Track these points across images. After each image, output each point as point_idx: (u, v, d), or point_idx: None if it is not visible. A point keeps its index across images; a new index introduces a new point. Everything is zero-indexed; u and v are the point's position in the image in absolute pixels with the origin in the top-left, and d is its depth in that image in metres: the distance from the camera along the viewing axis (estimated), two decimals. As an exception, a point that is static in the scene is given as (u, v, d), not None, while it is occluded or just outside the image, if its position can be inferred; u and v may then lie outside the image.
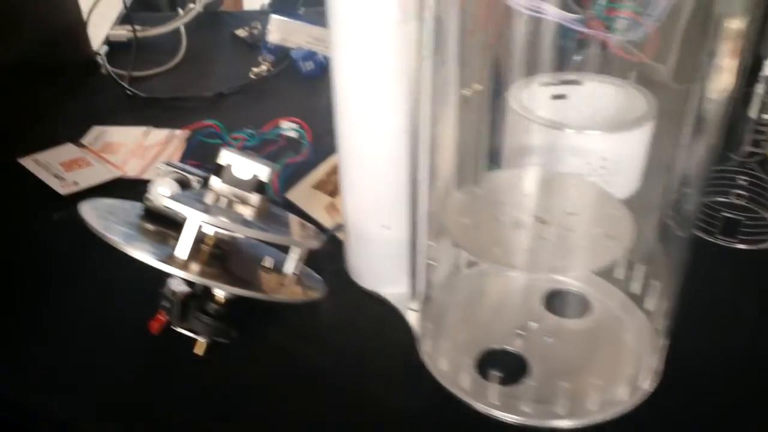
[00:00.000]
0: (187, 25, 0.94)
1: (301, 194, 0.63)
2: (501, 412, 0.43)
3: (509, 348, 0.47)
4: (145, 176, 0.65)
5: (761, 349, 0.48)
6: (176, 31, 0.93)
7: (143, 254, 0.42)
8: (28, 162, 0.67)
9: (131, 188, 0.59)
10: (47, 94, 0.78)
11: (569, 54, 0.45)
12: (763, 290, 0.54)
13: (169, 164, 0.52)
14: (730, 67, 0.37)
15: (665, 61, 0.50)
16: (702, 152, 0.40)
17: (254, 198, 0.50)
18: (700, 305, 0.52)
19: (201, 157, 0.63)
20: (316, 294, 0.49)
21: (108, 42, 0.90)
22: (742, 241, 0.58)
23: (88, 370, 0.47)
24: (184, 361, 0.47)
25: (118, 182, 0.65)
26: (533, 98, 0.63)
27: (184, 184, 0.52)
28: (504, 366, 0.46)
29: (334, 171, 0.62)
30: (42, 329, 0.51)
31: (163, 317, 0.48)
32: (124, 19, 0.93)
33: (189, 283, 0.47)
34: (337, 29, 0.43)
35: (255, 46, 0.92)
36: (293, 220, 0.53)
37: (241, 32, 0.96)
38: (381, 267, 0.52)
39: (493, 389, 0.43)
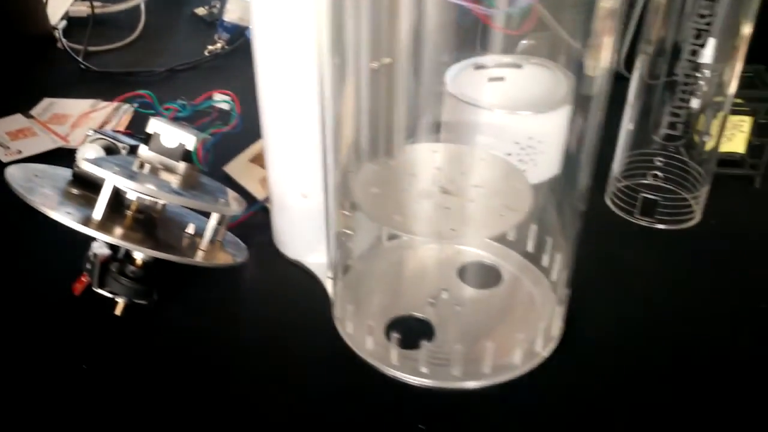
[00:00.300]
0: (148, 3, 0.95)
1: (237, 167, 0.65)
2: (401, 373, 0.45)
3: (419, 315, 0.49)
4: (88, 146, 0.66)
5: (661, 322, 0.50)
6: (137, 8, 0.95)
7: (58, 214, 0.44)
8: (-26, 130, 0.68)
9: (72, 158, 0.60)
10: (2, 66, 0.79)
11: (473, 34, 0.46)
12: (674, 268, 0.56)
13: (98, 131, 0.54)
14: (606, 45, 0.39)
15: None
16: (586, 128, 0.42)
17: (180, 166, 0.52)
18: (608, 279, 0.54)
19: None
20: (232, 260, 0.51)
21: (68, 17, 0.92)
22: (661, 221, 0.60)
23: (9, 329, 0.49)
24: (104, 321, 0.48)
25: (61, 152, 0.66)
26: (470, 79, 0.65)
27: (111, 150, 0.53)
28: (411, 332, 0.48)
29: (271, 145, 0.64)
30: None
31: (85, 279, 0.49)
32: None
33: (111, 247, 0.49)
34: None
35: (213, 24, 0.93)
36: (221, 190, 0.55)
37: (201, 11, 0.97)
38: (302, 236, 0.53)
39: (394, 351, 0.45)
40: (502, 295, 0.51)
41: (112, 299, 0.48)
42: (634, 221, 0.61)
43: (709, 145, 0.59)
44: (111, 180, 0.45)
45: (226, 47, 0.86)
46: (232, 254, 0.52)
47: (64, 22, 0.90)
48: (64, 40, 0.85)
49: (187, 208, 0.55)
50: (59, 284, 0.50)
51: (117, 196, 0.50)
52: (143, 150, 0.52)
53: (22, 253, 0.56)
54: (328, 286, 0.52)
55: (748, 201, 0.64)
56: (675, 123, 0.57)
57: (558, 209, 0.49)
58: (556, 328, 0.47)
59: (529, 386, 0.45)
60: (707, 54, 0.55)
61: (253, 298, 0.52)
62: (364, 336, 0.46)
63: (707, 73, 0.56)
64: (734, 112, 0.64)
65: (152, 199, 0.50)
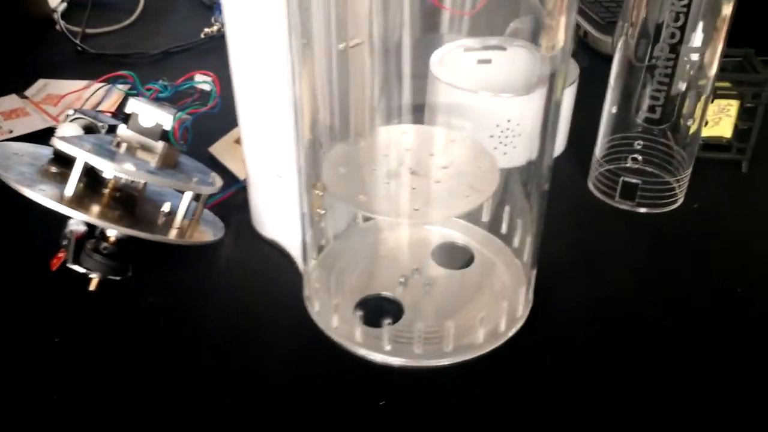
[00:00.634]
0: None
1: (222, 148, 0.65)
2: (364, 350, 0.45)
3: (388, 294, 0.50)
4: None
5: (628, 305, 0.50)
6: (137, -9, 0.96)
7: (29, 191, 0.45)
8: (-32, 110, 0.70)
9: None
10: (2, 47, 0.80)
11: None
12: (650, 251, 0.56)
13: (78, 111, 0.55)
14: (560, 25, 0.39)
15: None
16: (545, 108, 0.42)
17: (158, 145, 0.53)
18: (580, 261, 0.54)
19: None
20: (205, 238, 0.52)
21: (69, 0, 0.93)
22: (641, 205, 0.60)
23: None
24: (78, 296, 0.49)
25: (51, 131, 0.67)
26: (456, 62, 0.65)
27: (91, 129, 0.54)
28: (381, 311, 0.49)
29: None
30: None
31: (62, 255, 0.50)
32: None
33: (88, 224, 0.50)
34: None
35: (212, 7, 0.94)
36: (200, 170, 0.56)
37: (200, -6, 0.98)
38: (278, 216, 0.54)
39: (359, 329, 0.46)
40: (473, 275, 0.52)
41: (87, 275, 0.49)
42: (615, 205, 0.61)
43: (693, 128, 0.59)
44: (82, 157, 0.46)
45: (222, 30, 0.87)
46: (206, 232, 0.53)
47: (64, 5, 0.91)
48: (62, 22, 0.86)
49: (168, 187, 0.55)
50: (39, 260, 0.51)
51: (94, 174, 0.51)
52: (122, 129, 0.53)
53: (2, 229, 0.57)
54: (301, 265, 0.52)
55: (733, 186, 0.64)
56: (654, 106, 0.57)
57: (524, 190, 0.49)
58: (522, 309, 0.48)
59: (491, 366, 0.45)
60: (688, 36, 0.54)
61: (227, 277, 0.53)
62: (330, 314, 0.47)
63: (688, 56, 0.55)
64: (721, 96, 0.63)
65: (128, 177, 0.50)
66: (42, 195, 0.45)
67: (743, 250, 0.56)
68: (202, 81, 0.60)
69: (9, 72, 0.78)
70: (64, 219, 0.49)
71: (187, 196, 0.51)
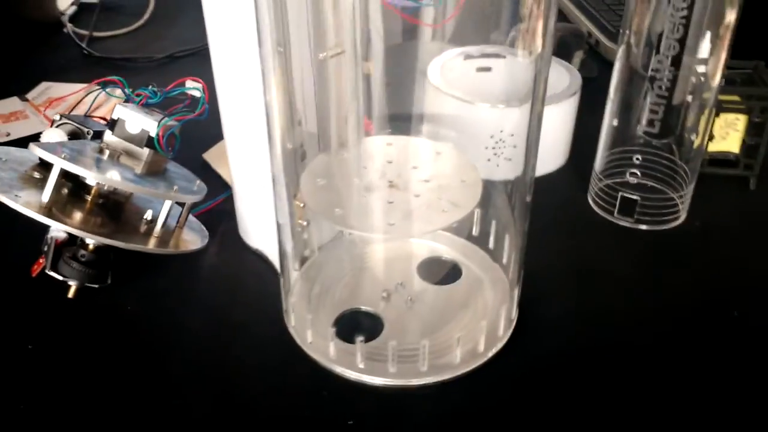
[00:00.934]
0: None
1: (215, 155, 0.65)
2: (339, 367, 0.44)
3: (369, 309, 0.49)
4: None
5: (618, 325, 0.49)
6: (148, -6, 0.96)
7: (3, 195, 0.44)
8: (-32, 112, 0.70)
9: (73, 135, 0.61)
10: (8, 50, 0.81)
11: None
12: (646, 270, 0.54)
13: (65, 116, 0.54)
14: (538, 31, 0.37)
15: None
16: (525, 118, 0.40)
17: (143, 152, 0.52)
18: (571, 280, 0.52)
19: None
20: (185, 247, 0.51)
21: (79, 3, 0.93)
22: (641, 221, 0.58)
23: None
24: (56, 303, 0.49)
25: (47, 135, 0.67)
26: (455, 70, 0.64)
27: (77, 135, 0.54)
28: (359, 326, 0.47)
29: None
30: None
31: (43, 261, 0.50)
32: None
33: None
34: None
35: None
36: (186, 177, 0.55)
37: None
38: (262, 225, 0.53)
39: (332, 345, 0.44)
40: (458, 292, 0.50)
41: (66, 282, 0.49)
42: (614, 221, 0.59)
43: (696, 142, 0.57)
44: (58, 164, 0.46)
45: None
46: (189, 241, 0.53)
47: (73, 8, 0.91)
48: (69, 24, 0.87)
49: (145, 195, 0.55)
50: (22, 265, 0.51)
51: (78, 181, 0.51)
52: (108, 135, 0.53)
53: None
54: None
55: (739, 204, 0.61)
56: (653, 120, 0.55)
57: (509, 203, 0.47)
58: (503, 328, 0.46)
59: (467, 387, 0.44)
60: (689, 47, 0.52)
61: (208, 286, 0.52)
62: (305, 328, 0.46)
63: (690, 67, 0.53)
64: (728, 110, 0.61)
65: (103, 184, 0.50)
66: (14, 200, 0.45)
67: (745, 271, 0.53)
68: (193, 87, 0.59)
69: (12, 74, 0.79)
70: (47, 225, 0.48)
71: (166, 204, 0.50)
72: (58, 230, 0.49)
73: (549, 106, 0.61)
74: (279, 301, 0.49)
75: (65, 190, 0.50)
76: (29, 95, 0.74)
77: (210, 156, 0.64)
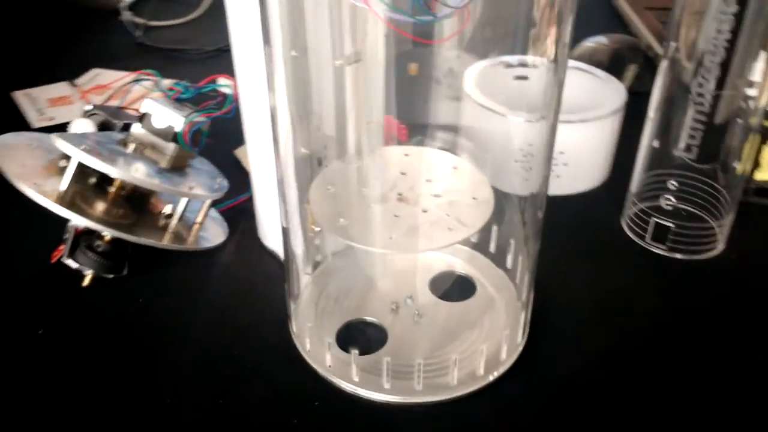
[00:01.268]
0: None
1: (246, 152, 0.65)
2: (334, 378, 0.44)
3: (375, 321, 0.48)
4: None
5: (632, 358, 0.46)
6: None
7: (21, 183, 0.46)
8: (19, 95, 0.72)
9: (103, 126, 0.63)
10: (64, 36, 0.83)
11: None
12: (671, 302, 0.51)
13: (97, 107, 0.55)
14: (550, 36, 0.36)
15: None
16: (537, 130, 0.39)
17: (169, 147, 0.53)
18: (589, 307, 0.50)
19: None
20: (202, 244, 0.51)
21: (139, -9, 0.96)
22: (675, 249, 0.55)
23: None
24: (71, 291, 0.50)
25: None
26: (491, 78, 0.62)
27: (106, 126, 0.55)
28: (363, 337, 0.47)
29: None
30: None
31: (63, 248, 0.51)
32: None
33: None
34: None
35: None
36: (209, 174, 0.55)
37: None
38: (279, 227, 0.53)
39: (329, 354, 0.44)
40: (468, 311, 0.49)
41: (81, 271, 0.50)
42: (646, 247, 0.56)
43: (739, 170, 0.54)
44: (76, 156, 0.47)
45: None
46: (205, 238, 0.53)
47: (132, -4, 0.93)
48: (127, 13, 0.89)
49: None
50: (44, 251, 0.52)
51: (102, 173, 0.52)
52: (135, 128, 0.53)
53: (18, 218, 0.58)
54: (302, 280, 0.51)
55: (783, 237, 0.58)
56: (690, 145, 0.52)
57: (522, 219, 0.46)
58: (506, 353, 0.45)
59: (462, 411, 0.43)
60: (735, 68, 0.49)
61: (220, 284, 0.52)
62: (304, 335, 0.45)
63: (735, 89, 0.50)
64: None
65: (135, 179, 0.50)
66: (32, 188, 0.46)
67: (779, 311, 0.50)
68: (224, 84, 0.59)
69: (66, 59, 0.81)
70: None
71: (184, 201, 0.51)
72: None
73: (589, 123, 0.59)
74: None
75: (92, 180, 0.52)
76: (78, 81, 0.76)
77: (241, 153, 0.65)
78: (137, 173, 0.49)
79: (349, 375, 0.43)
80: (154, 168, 0.51)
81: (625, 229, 0.58)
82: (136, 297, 0.50)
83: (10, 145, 0.50)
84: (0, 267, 0.53)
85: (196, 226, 0.53)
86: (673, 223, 0.54)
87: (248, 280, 0.53)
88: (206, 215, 0.54)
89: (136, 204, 0.53)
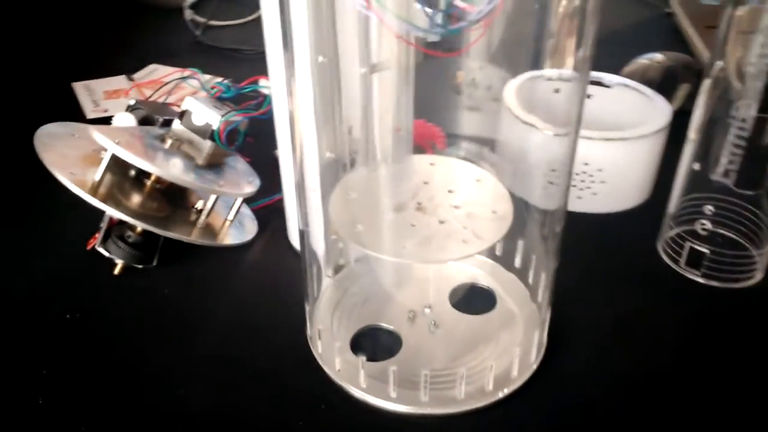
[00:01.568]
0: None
1: (285, 152, 0.66)
2: (343, 382, 0.44)
3: (391, 328, 0.48)
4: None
5: (648, 387, 0.45)
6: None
7: (58, 171, 0.47)
8: (78, 86, 0.75)
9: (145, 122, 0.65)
10: (129, 32, 0.87)
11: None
12: (698, 331, 0.49)
13: (140, 102, 0.57)
14: (567, 48, 0.35)
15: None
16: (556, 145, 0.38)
17: (205, 144, 0.54)
18: (610, 332, 0.49)
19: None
20: (228, 240, 0.52)
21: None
22: (709, 276, 0.53)
23: (21, 272, 0.54)
24: (102, 277, 0.52)
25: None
26: (532, 90, 0.62)
27: (148, 121, 0.57)
28: (377, 344, 0.47)
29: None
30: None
31: (98, 236, 0.53)
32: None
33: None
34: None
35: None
36: (244, 172, 0.56)
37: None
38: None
39: (338, 359, 0.44)
40: (486, 324, 0.48)
41: (113, 260, 0.52)
42: (680, 272, 0.54)
43: (783, 197, 0.52)
44: (110, 149, 0.48)
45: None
46: (234, 235, 0.54)
47: (195, -4, 0.96)
48: (189, 11, 0.91)
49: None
50: (82, 238, 0.54)
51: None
52: (175, 125, 0.55)
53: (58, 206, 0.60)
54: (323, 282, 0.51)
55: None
56: (729, 170, 0.50)
57: (540, 234, 0.45)
58: (517, 370, 0.44)
59: (469, 426, 0.42)
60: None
61: (244, 280, 0.53)
62: (317, 337, 0.46)
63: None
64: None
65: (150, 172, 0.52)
66: (67, 177, 0.47)
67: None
68: (265, 86, 0.61)
69: (126, 54, 0.84)
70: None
71: (212, 197, 0.52)
72: (115, 209, 0.52)
73: (629, 141, 0.58)
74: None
75: (132, 173, 0.53)
76: (136, 75, 0.79)
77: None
78: (173, 169, 0.50)
79: (358, 381, 0.44)
80: (189, 164, 0.53)
81: (661, 252, 0.56)
82: (161, 288, 0.52)
83: (54, 135, 0.53)
84: (44, 250, 0.55)
85: (226, 223, 0.55)
86: (708, 248, 0.53)
87: (273, 278, 0.53)
88: (237, 213, 0.55)
89: (172, 198, 0.55)
